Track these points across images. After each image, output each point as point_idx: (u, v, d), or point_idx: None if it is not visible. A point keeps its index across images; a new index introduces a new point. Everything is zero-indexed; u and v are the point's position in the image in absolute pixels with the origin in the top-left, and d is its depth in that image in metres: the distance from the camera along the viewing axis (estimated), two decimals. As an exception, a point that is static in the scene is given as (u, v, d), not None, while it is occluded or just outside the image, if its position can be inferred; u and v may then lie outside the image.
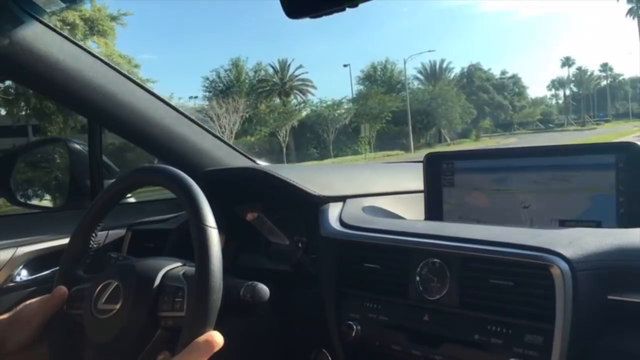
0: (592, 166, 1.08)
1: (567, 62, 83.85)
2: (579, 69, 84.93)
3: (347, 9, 0.70)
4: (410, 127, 39.06)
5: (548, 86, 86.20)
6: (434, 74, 57.58)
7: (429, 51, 44.79)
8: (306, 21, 0.74)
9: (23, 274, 1.42)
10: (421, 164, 1.32)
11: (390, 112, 37.62)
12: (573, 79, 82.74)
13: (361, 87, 47.78)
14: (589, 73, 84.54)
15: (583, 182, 1.09)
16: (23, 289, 1.41)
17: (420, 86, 52.42)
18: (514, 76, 65.70)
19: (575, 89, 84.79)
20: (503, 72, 66.28)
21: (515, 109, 61.68)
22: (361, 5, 0.70)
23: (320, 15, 0.72)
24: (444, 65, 59.61)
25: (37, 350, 0.85)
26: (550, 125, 68.25)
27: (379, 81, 47.19)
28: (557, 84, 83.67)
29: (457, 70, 63.10)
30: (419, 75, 58.74)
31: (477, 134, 51.13)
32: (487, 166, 1.23)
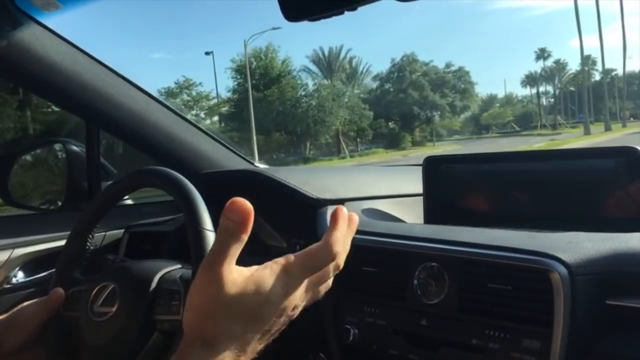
0: (591, 170, 1.08)
1: (542, 54, 72.91)
2: (557, 62, 74.86)
3: (346, 12, 0.69)
4: (255, 138, 29.85)
5: (522, 82, 77.60)
6: (331, 65, 48.79)
7: (274, 28, 34.37)
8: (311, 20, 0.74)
9: (20, 276, 1.41)
10: (420, 167, 1.32)
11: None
12: (544, 73, 73.25)
13: (235, 81, 37.47)
14: (567, 67, 75.27)
15: (582, 186, 1.08)
16: (20, 291, 1.41)
17: (311, 81, 42.35)
18: (459, 69, 54.11)
19: (564, 87, 76.48)
20: (448, 65, 54.60)
21: (455, 109, 51.73)
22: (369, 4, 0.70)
23: (318, 19, 0.72)
24: (343, 53, 50.12)
25: (33, 353, 0.84)
26: (531, 126, 63.19)
27: (256, 73, 36.46)
28: (532, 80, 75.41)
29: (373, 65, 55.46)
30: (312, 66, 48.55)
31: (413, 139, 46.07)
32: (487, 170, 1.23)
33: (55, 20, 1.27)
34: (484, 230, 1.06)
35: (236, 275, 0.56)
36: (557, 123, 60.40)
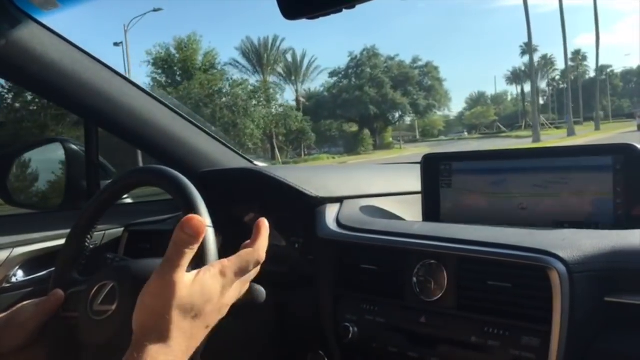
0: (589, 168, 1.08)
1: (527, 49, 62.17)
2: (544, 57, 68.61)
3: (344, 10, 0.70)
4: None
5: (508, 80, 70.96)
6: (261, 58, 40.99)
7: (155, 10, 28.99)
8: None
9: (19, 275, 1.42)
10: (419, 165, 1.32)
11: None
12: (526, 70, 63.98)
13: (149, 76, 31.93)
14: (554, 63, 68.87)
15: (580, 183, 1.09)
16: (19, 290, 1.41)
17: (237, 76, 34.16)
18: (427, 64, 48.03)
19: (552, 83, 69.99)
20: (415, 60, 48.14)
21: (417, 108, 45.60)
22: (369, 3, 0.70)
23: (317, 17, 0.72)
24: (277, 43, 41.91)
25: (33, 353, 0.84)
26: (517, 126, 58.70)
27: (177, 67, 31.71)
28: (516, 77, 68.93)
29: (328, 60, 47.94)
30: (241, 60, 41.22)
31: (375, 141, 40.96)
32: (485, 167, 1.23)
33: (54, 19, 1.27)
34: (483, 227, 1.06)
35: (185, 280, 0.65)
36: (540, 123, 52.70)
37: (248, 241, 0.78)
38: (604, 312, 0.82)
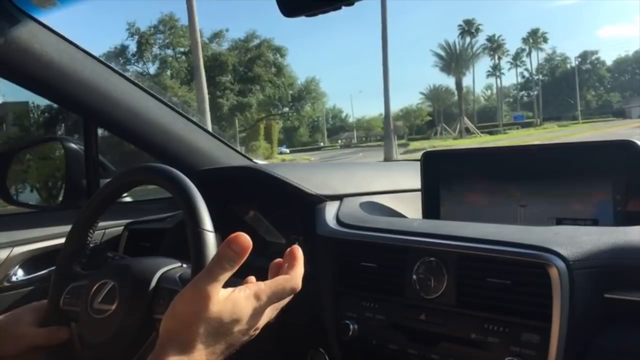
0: (589, 165, 1.08)
1: (468, 28, 49.35)
2: (491, 39, 55.54)
3: (343, 7, 0.70)
4: None
5: (442, 68, 53.50)
6: None
7: None
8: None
9: (19, 274, 1.42)
10: (419, 163, 1.32)
11: None
12: (451, 51, 50.88)
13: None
14: (502, 46, 56.48)
15: (580, 180, 1.08)
16: (19, 289, 1.41)
17: None
18: (262, 44, 31.74)
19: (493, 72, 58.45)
20: (249, 37, 32.08)
21: (220, 110, 29.29)
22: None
23: (316, 14, 0.72)
24: None
25: (33, 354, 0.85)
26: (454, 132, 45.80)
27: None
28: (449, 61, 52.11)
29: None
30: None
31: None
32: (485, 164, 1.23)
33: (52, 17, 1.26)
34: (483, 224, 1.06)
35: (219, 295, 0.65)
36: (460, 129, 41.46)
37: (279, 259, 0.76)
38: (604, 309, 0.82)
